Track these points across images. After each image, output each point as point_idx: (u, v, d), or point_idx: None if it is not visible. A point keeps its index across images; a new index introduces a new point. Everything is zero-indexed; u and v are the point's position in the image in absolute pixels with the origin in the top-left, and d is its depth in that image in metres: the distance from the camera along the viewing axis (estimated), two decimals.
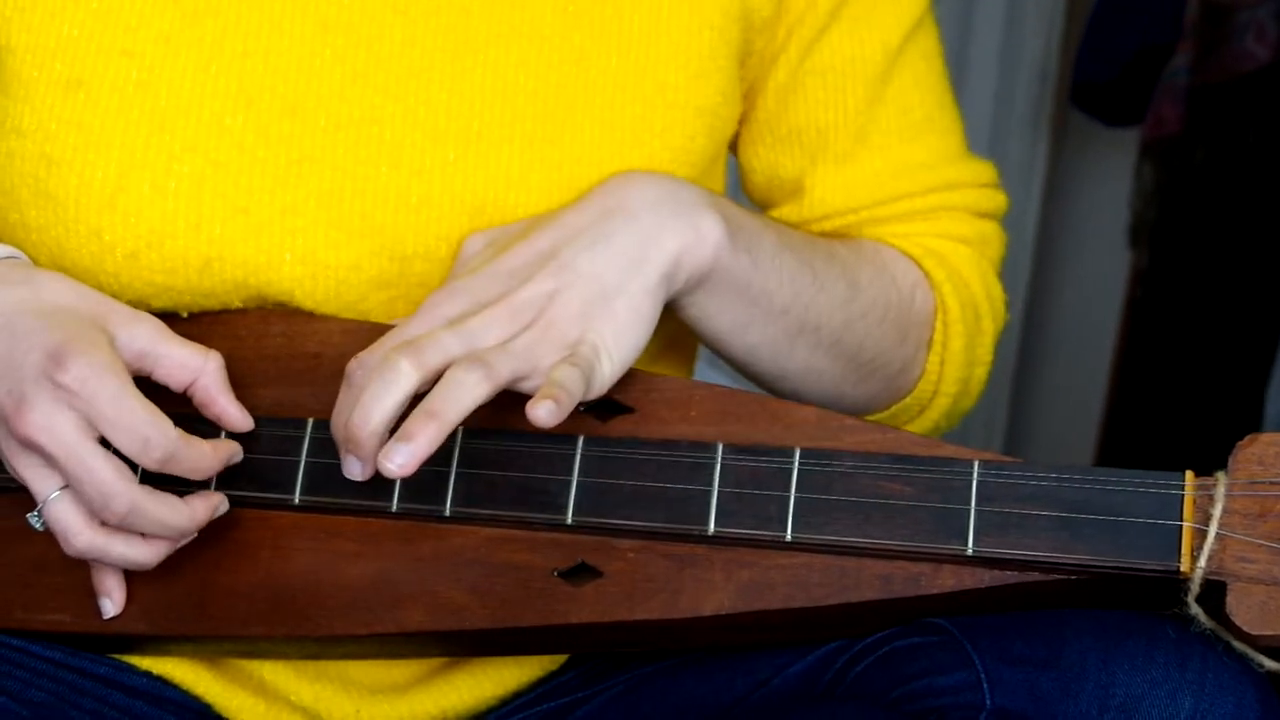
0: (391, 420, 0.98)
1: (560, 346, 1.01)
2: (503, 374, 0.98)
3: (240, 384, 1.06)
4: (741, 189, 1.25)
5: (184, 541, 1.04)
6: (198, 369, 1.04)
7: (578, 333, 1.01)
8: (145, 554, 1.02)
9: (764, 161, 1.21)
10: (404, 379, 0.97)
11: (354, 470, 1.01)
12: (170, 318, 1.08)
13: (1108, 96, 2.82)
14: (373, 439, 0.98)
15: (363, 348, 1.06)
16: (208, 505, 1.04)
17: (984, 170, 1.23)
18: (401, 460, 0.96)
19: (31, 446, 0.99)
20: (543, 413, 0.95)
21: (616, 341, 1.02)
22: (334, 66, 1.08)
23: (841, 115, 1.18)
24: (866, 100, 1.18)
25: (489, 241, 1.06)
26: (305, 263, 1.07)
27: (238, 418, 1.05)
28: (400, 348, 0.98)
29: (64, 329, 1.00)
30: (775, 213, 1.21)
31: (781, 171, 1.20)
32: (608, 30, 1.11)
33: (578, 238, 1.03)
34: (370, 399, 0.97)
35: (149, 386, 1.03)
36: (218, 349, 1.06)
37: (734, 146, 1.22)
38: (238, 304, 1.09)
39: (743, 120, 1.20)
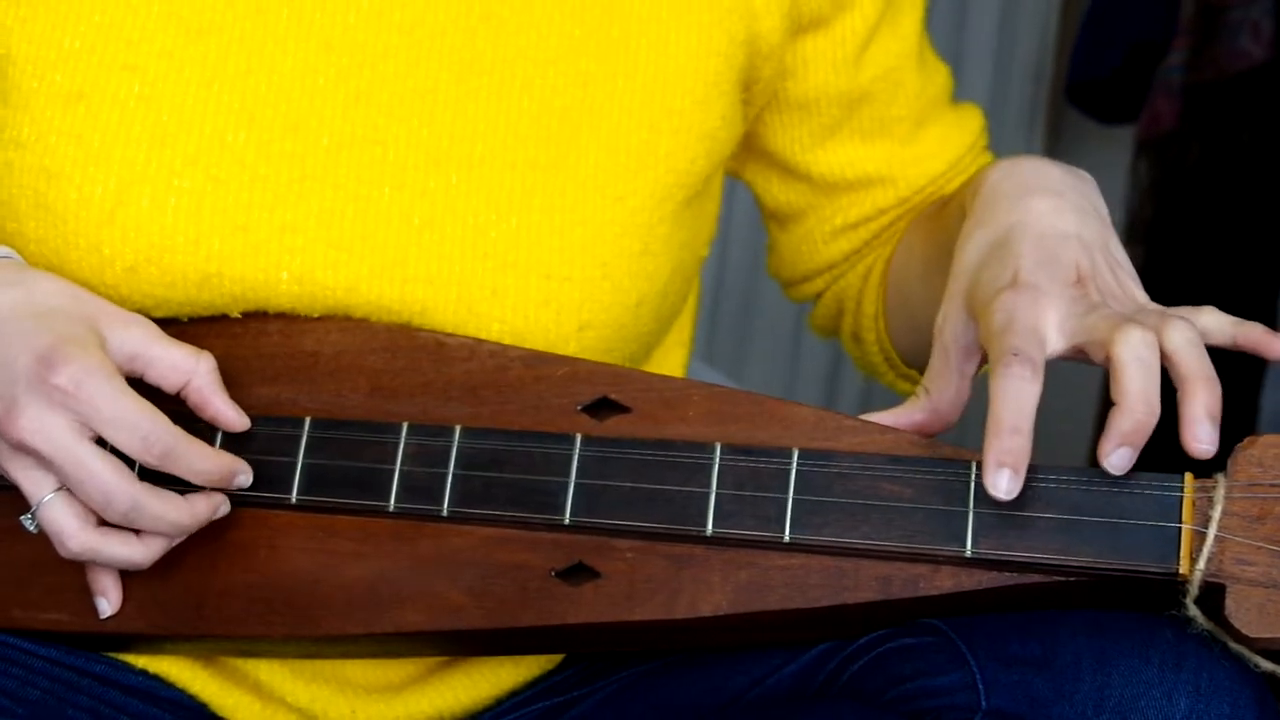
0: None
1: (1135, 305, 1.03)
2: None
3: (237, 383, 1.06)
4: (763, 195, 1.27)
5: (178, 541, 1.04)
6: (190, 371, 1.04)
7: (1141, 294, 1.04)
8: (141, 553, 1.02)
9: (825, 164, 1.23)
10: (1156, 347, 0.95)
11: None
12: (169, 318, 1.08)
13: (1103, 94, 2.82)
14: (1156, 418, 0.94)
15: (359, 347, 1.07)
16: (209, 504, 1.03)
17: (976, 108, 1.30)
18: (1213, 437, 0.93)
19: (25, 450, 0.99)
20: None
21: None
22: (337, 86, 1.08)
23: (905, 109, 1.23)
24: (921, 84, 1.23)
25: (1028, 284, 1.03)
26: (302, 282, 1.07)
27: (233, 418, 1.05)
28: (1128, 324, 0.95)
29: (54, 331, 1.00)
30: (856, 200, 1.25)
31: (848, 172, 1.23)
32: (614, 55, 1.11)
33: (1082, 221, 1.05)
34: (1144, 380, 0.94)
35: (142, 389, 1.03)
36: (214, 348, 1.05)
37: (766, 154, 1.25)
38: (238, 315, 1.08)
39: (786, 131, 1.23)
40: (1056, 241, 1.03)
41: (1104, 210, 1.08)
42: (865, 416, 1.02)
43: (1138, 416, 0.94)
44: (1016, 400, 0.95)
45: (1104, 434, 0.94)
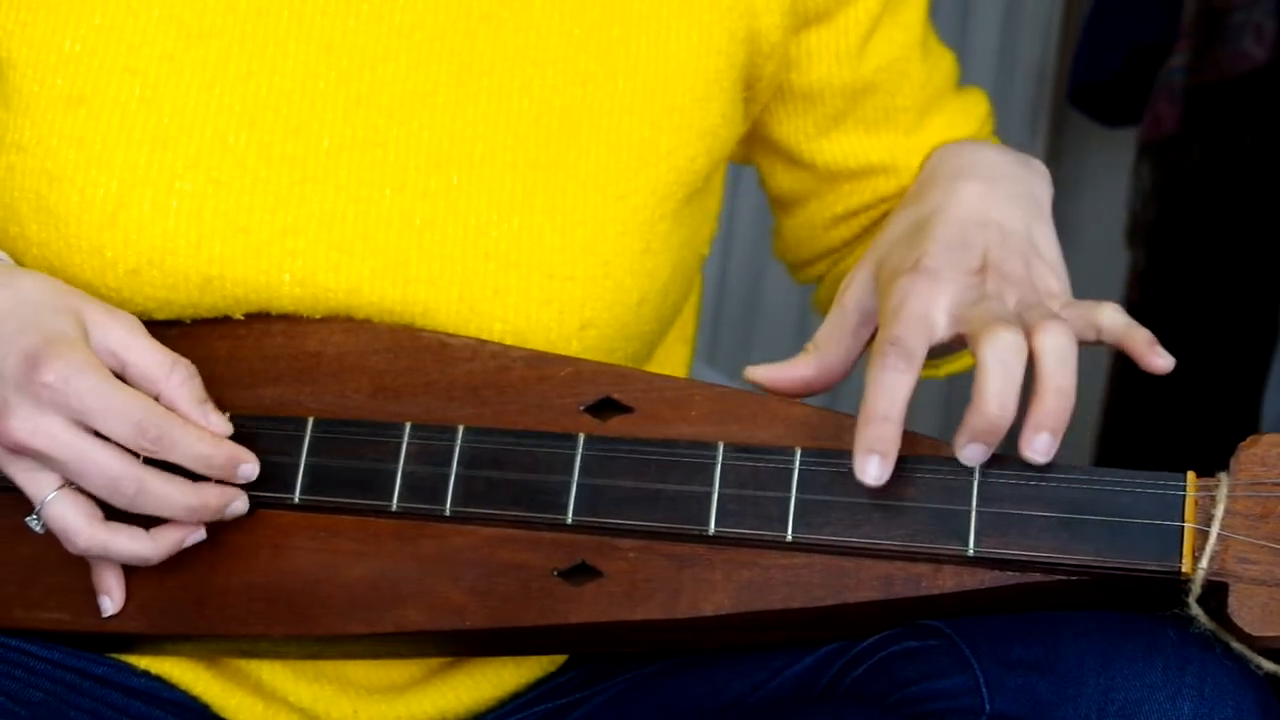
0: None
1: (1047, 297, 1.04)
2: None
3: (240, 384, 1.06)
4: (768, 180, 1.28)
5: (191, 541, 1.03)
6: (160, 380, 1.02)
7: (1057, 285, 1.04)
8: (150, 548, 1.02)
9: (829, 153, 1.24)
10: (1023, 350, 0.96)
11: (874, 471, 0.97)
12: (172, 320, 1.08)
13: (1105, 96, 2.82)
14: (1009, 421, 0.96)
15: (362, 347, 1.07)
16: (220, 493, 1.02)
17: (981, 92, 1.31)
18: (1048, 448, 0.95)
19: (22, 451, 0.99)
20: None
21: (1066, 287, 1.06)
22: (338, 88, 1.08)
23: (910, 99, 1.23)
24: (926, 74, 1.23)
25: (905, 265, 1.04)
26: (304, 285, 1.07)
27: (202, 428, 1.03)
28: (1000, 324, 0.96)
29: (40, 330, 1.00)
30: (858, 188, 1.25)
31: (851, 161, 1.23)
32: (614, 54, 1.11)
33: (1009, 209, 1.06)
34: (1001, 382, 0.95)
35: None
36: (217, 349, 1.06)
37: (770, 144, 1.24)
38: (240, 317, 1.08)
39: (790, 121, 1.22)
40: (973, 228, 1.04)
41: (1043, 199, 1.10)
42: (749, 370, 1.04)
43: (990, 416, 0.95)
44: (890, 390, 0.96)
45: (959, 428, 0.96)
